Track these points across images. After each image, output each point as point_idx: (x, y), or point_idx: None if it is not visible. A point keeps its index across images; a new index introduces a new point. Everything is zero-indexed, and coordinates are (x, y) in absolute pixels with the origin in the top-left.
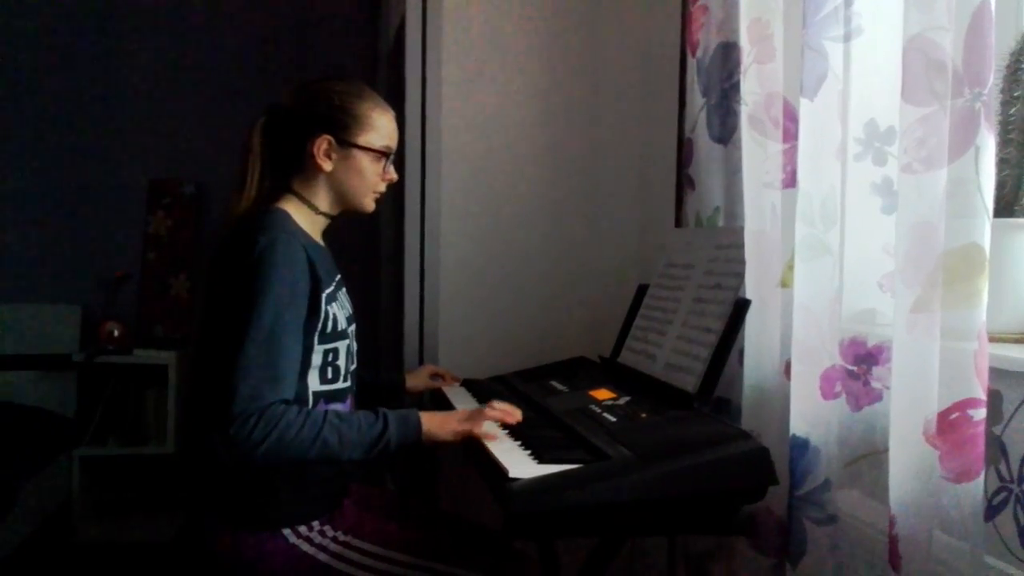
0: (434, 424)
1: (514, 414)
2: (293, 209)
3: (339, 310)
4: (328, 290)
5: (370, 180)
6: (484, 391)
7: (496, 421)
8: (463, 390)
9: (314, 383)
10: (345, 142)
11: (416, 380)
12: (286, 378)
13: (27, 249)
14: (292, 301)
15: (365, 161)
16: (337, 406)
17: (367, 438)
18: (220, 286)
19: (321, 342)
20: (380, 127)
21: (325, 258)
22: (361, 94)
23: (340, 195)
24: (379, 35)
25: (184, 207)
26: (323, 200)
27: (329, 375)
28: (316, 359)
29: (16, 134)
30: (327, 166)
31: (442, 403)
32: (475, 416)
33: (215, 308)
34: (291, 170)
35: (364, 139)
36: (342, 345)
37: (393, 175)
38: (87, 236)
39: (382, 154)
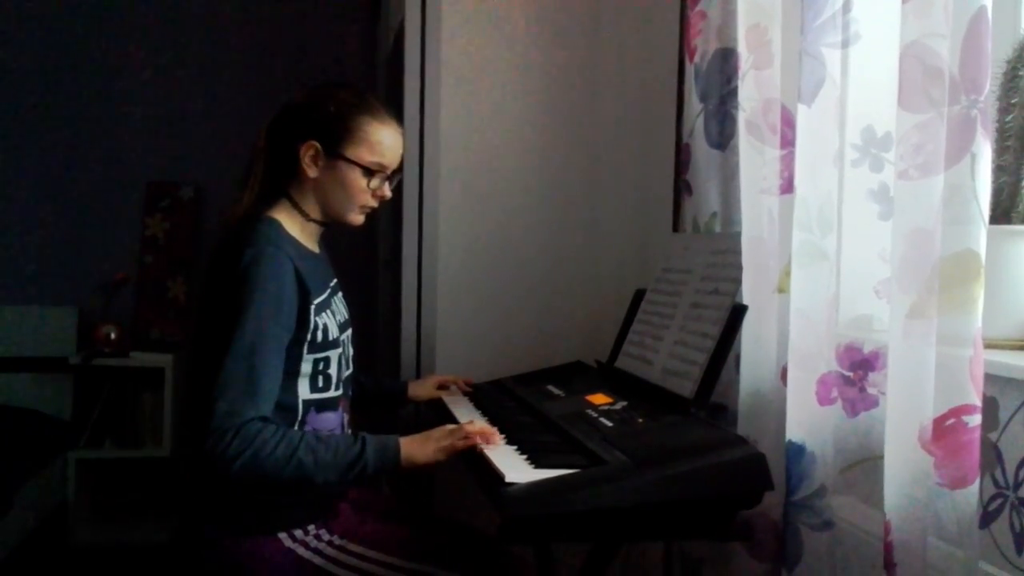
0: (414, 448)
1: (491, 438)
2: (285, 216)
3: (330, 319)
4: (319, 299)
5: (355, 195)
6: (482, 395)
7: (472, 441)
8: (460, 394)
9: (304, 392)
10: (332, 152)
11: (420, 390)
12: (266, 394)
13: (24, 251)
14: (276, 316)
15: (351, 174)
16: (328, 415)
17: (343, 461)
18: (210, 295)
19: (310, 352)
20: (375, 143)
21: (317, 266)
22: (363, 106)
23: (325, 205)
24: (378, 39)
25: (182, 210)
26: (312, 207)
27: (320, 383)
28: (306, 368)
29: (14, 136)
30: (312, 173)
31: (439, 408)
32: (455, 433)
33: (205, 317)
34: (286, 173)
35: (352, 152)
36: (333, 354)
37: (386, 193)
38: (84, 238)
39: (371, 170)
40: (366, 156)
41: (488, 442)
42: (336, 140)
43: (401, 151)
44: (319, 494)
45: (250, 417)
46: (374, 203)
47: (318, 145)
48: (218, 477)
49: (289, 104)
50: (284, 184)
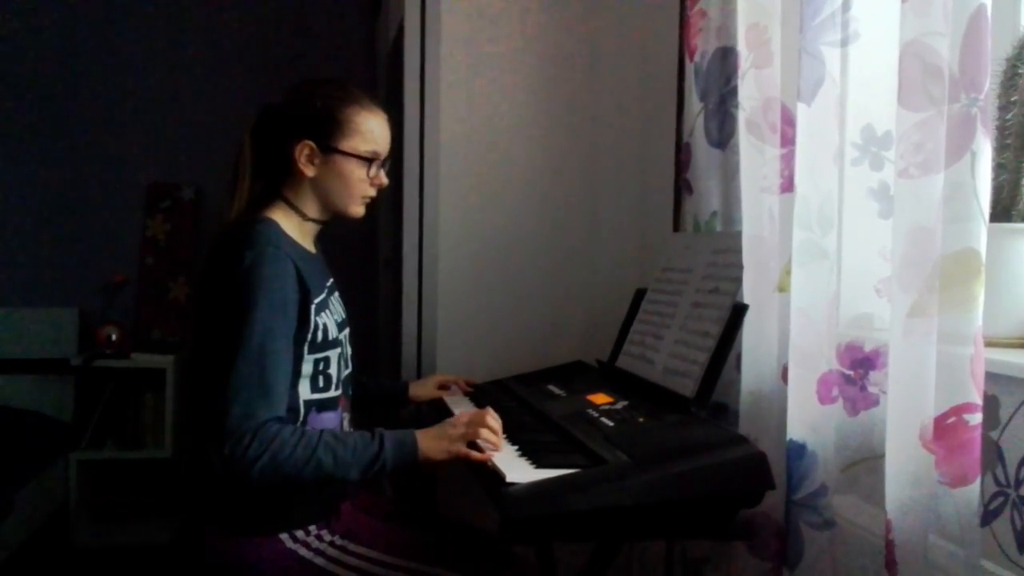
0: (430, 444)
1: (497, 446)
2: (282, 216)
3: (329, 318)
4: (318, 299)
5: (356, 186)
6: (483, 395)
7: (484, 438)
8: (461, 394)
9: (305, 392)
10: (327, 147)
11: (421, 390)
12: (278, 394)
13: (25, 252)
14: (281, 316)
15: (349, 167)
16: (328, 414)
17: (363, 459)
18: (210, 298)
19: (311, 352)
20: (366, 131)
21: (315, 265)
22: (347, 97)
23: (326, 201)
24: (378, 38)
25: (183, 211)
26: (311, 206)
27: (320, 384)
28: (306, 368)
29: (14, 136)
30: (310, 172)
31: (441, 408)
32: (471, 426)
33: (206, 320)
34: (279, 175)
35: (347, 144)
36: (333, 353)
37: (383, 180)
38: (85, 239)
39: (368, 160)
40: (361, 146)
41: (490, 451)
42: (329, 135)
43: (389, 136)
44: (322, 494)
45: (266, 419)
46: (373, 192)
47: (312, 144)
48: (238, 481)
49: (271, 106)
50: (278, 186)
